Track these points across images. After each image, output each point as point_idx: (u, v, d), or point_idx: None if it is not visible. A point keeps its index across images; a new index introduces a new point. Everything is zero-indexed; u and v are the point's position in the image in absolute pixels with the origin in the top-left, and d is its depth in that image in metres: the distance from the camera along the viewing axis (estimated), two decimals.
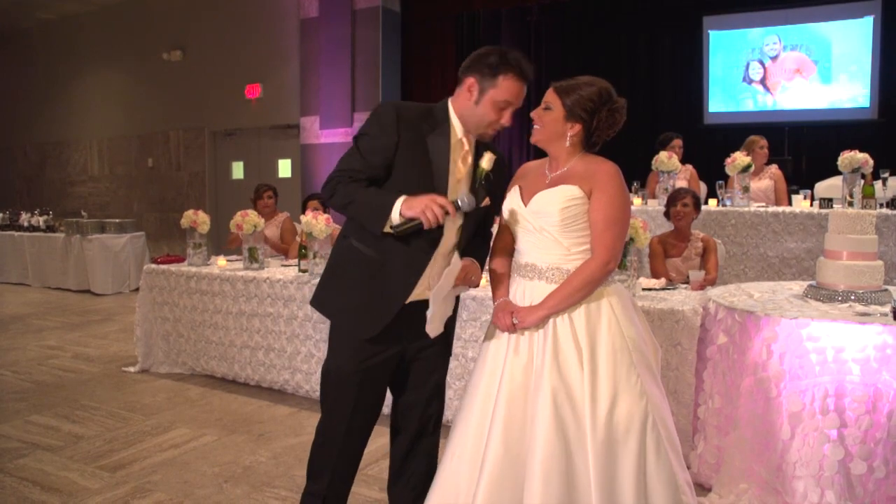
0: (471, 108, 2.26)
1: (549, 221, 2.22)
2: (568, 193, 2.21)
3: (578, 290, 2.18)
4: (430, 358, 2.48)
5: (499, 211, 2.43)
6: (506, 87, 2.22)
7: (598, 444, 2.09)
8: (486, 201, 2.31)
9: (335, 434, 2.44)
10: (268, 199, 5.96)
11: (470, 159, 2.34)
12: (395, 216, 2.15)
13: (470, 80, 2.25)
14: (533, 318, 2.20)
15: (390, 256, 2.28)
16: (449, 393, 3.88)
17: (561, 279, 2.22)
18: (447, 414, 3.88)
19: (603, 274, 2.19)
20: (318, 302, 2.46)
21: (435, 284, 2.27)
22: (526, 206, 2.28)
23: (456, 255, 2.29)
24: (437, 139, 2.27)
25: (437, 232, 2.25)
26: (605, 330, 2.19)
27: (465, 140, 2.33)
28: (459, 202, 2.17)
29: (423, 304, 2.30)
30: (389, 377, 2.48)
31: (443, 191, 2.25)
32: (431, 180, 2.24)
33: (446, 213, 2.14)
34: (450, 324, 2.47)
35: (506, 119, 2.26)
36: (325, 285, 2.45)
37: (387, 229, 2.18)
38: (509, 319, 2.24)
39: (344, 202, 2.25)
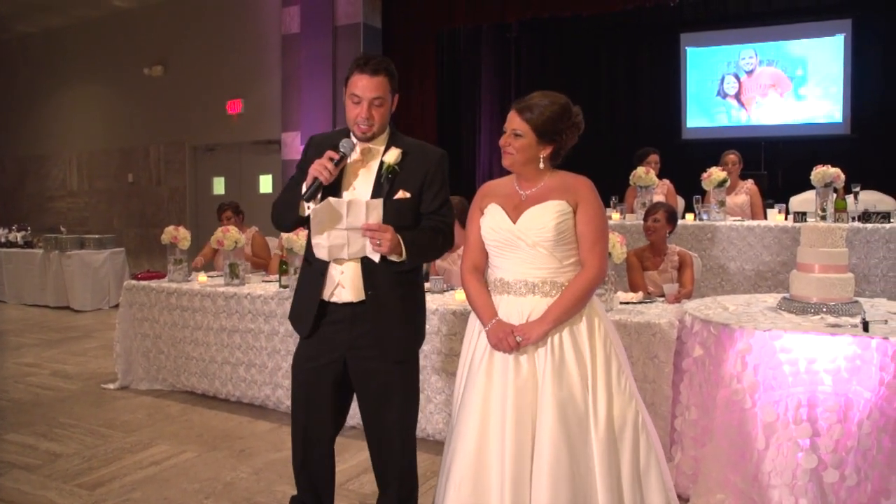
0: (347, 114, 2.49)
1: (544, 237, 2.26)
2: (559, 208, 2.26)
3: (579, 302, 2.25)
4: (371, 365, 2.51)
5: (429, 206, 2.52)
6: (353, 83, 2.43)
7: (601, 447, 2.17)
8: (402, 194, 2.46)
9: (294, 435, 2.66)
10: (226, 221, 5.94)
11: (373, 163, 2.50)
12: (302, 190, 2.41)
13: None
14: (537, 333, 2.23)
15: (314, 259, 2.51)
16: (430, 407, 3.91)
17: (556, 292, 2.27)
18: (427, 428, 3.90)
19: (597, 284, 2.28)
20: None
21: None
22: (515, 223, 2.31)
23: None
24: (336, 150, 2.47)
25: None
26: (599, 339, 2.28)
27: (357, 146, 2.50)
28: (341, 147, 2.41)
29: (355, 308, 2.47)
30: (336, 382, 2.57)
31: (336, 191, 2.47)
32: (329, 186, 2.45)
33: (338, 161, 2.39)
34: (392, 331, 2.50)
35: (361, 112, 2.42)
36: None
37: (306, 206, 2.43)
38: (513, 340, 2.23)
39: (274, 210, 2.61)
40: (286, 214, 2.54)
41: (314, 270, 2.53)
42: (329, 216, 2.37)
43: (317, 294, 2.50)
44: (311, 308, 2.52)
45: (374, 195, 2.44)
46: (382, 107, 2.44)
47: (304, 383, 2.60)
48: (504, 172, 2.47)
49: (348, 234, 2.39)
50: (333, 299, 2.50)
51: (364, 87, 2.40)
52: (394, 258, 2.41)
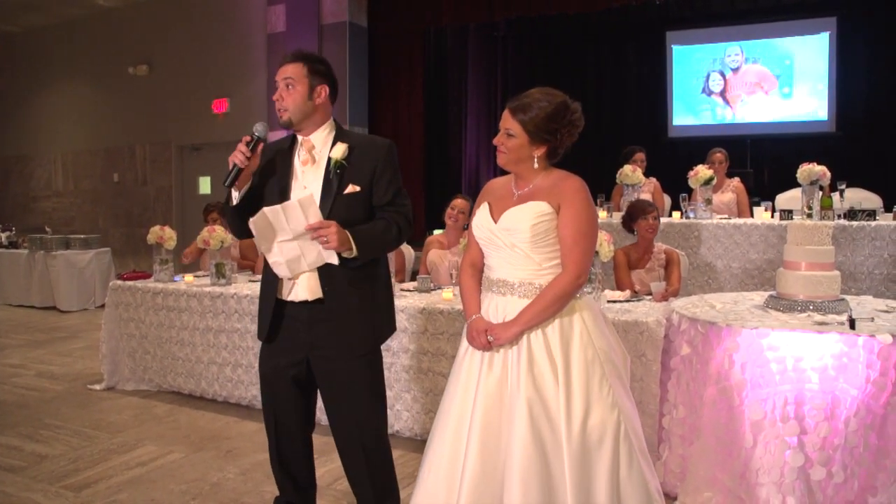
0: None
1: (520, 238, 2.24)
2: (537, 209, 2.24)
3: (551, 305, 2.21)
4: (334, 363, 2.52)
5: (382, 198, 2.54)
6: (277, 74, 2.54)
7: (574, 454, 2.12)
8: (351, 188, 2.47)
9: (268, 436, 2.70)
10: (213, 222, 5.90)
11: (319, 159, 2.53)
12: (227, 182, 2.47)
13: None
14: (508, 334, 2.22)
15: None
16: (416, 407, 3.90)
17: (533, 294, 2.24)
18: (415, 427, 3.89)
19: (574, 288, 2.23)
20: None
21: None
22: (496, 222, 2.30)
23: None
24: (284, 152, 2.58)
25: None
26: (577, 343, 2.22)
27: (303, 146, 2.56)
28: (254, 131, 2.46)
29: (311, 307, 2.49)
30: (298, 382, 2.59)
31: (286, 192, 2.51)
32: (277, 185, 2.52)
33: (253, 144, 2.43)
34: (352, 328, 2.51)
35: (276, 95, 2.52)
36: None
37: (233, 198, 2.51)
38: (484, 338, 2.25)
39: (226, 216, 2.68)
40: (229, 217, 2.62)
41: (271, 273, 2.54)
42: (269, 225, 2.37)
43: (273, 294, 2.54)
44: (268, 309, 2.57)
45: (324, 191, 2.46)
46: (294, 88, 2.48)
47: (270, 384, 2.64)
48: (491, 170, 2.48)
49: (299, 244, 2.39)
50: (290, 297, 2.51)
51: (279, 71, 2.53)
52: (345, 254, 2.40)
